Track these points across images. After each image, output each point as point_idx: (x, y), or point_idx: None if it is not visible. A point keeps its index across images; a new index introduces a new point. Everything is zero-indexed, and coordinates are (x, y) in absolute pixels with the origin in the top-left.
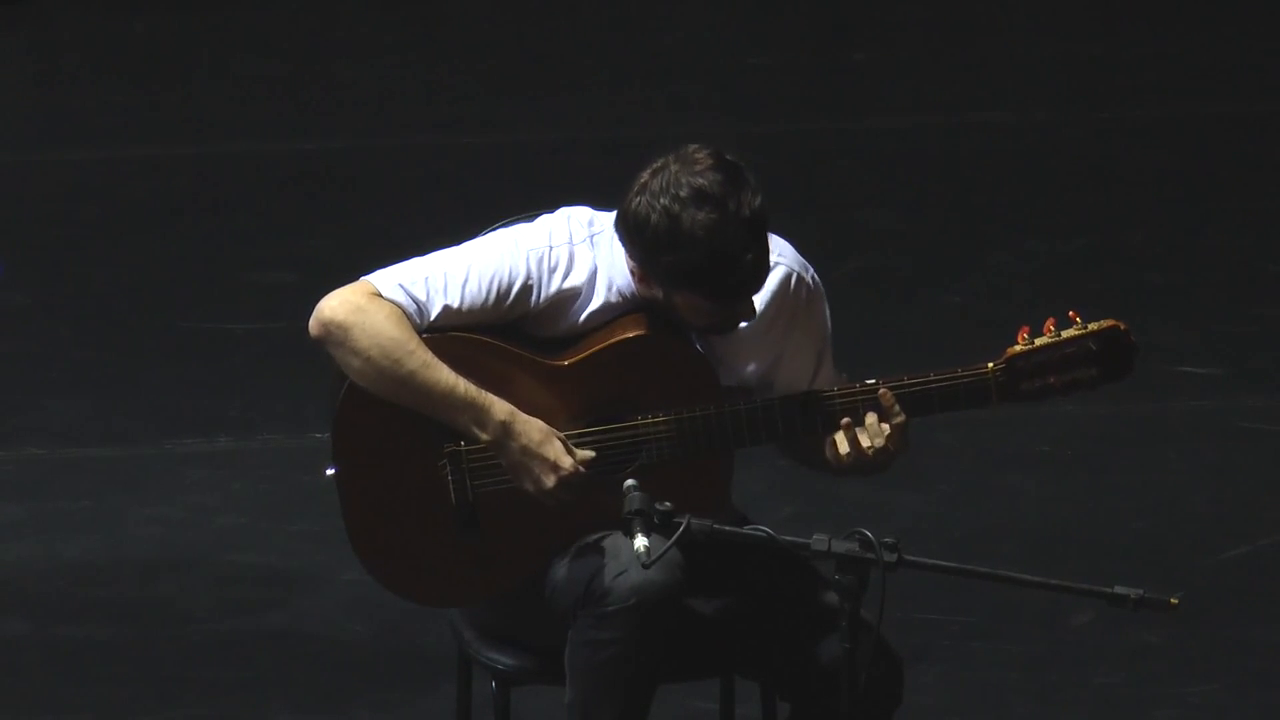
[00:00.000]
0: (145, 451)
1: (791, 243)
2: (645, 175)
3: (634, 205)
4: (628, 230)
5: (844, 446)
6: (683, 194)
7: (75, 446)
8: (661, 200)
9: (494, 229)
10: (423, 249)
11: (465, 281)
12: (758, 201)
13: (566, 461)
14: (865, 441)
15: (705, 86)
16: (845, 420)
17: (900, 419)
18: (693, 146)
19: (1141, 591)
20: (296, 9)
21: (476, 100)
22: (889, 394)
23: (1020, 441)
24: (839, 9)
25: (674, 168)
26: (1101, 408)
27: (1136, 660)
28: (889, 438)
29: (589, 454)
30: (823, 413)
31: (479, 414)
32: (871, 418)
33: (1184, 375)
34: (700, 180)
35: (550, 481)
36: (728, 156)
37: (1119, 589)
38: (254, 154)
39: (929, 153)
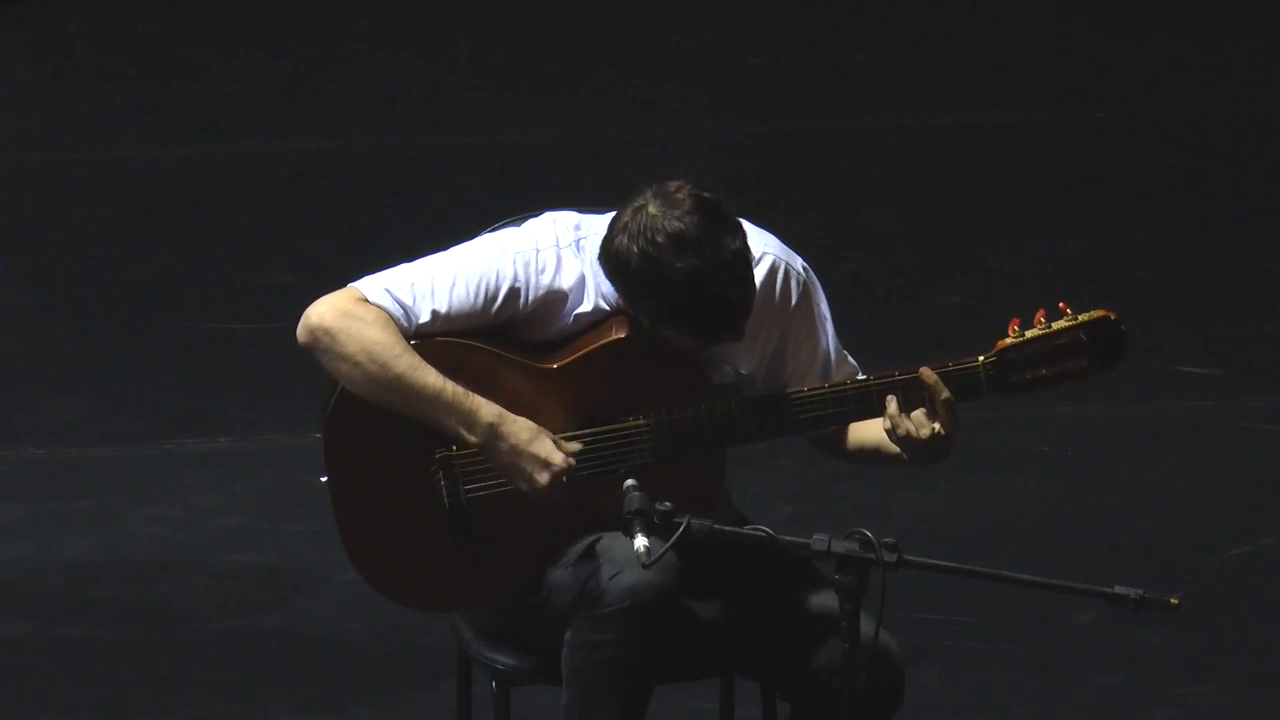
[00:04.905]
0: (145, 451)
1: (778, 236)
2: (626, 214)
3: (615, 245)
4: (610, 269)
5: (895, 430)
6: (660, 240)
7: (75, 446)
8: (640, 243)
9: (481, 235)
10: (422, 249)
11: (452, 286)
12: (737, 243)
13: (557, 458)
14: (912, 430)
15: (705, 86)
16: (889, 411)
17: (945, 397)
18: (672, 184)
19: (1141, 591)
20: (296, 9)
21: (476, 100)
22: (931, 374)
23: (1020, 441)
24: (839, 9)
25: (652, 209)
26: (1101, 408)
27: (1136, 660)
28: (939, 420)
29: (576, 446)
30: (789, 413)
31: (467, 416)
32: (917, 412)
33: (1184, 375)
34: (678, 224)
35: (543, 479)
36: (706, 194)
37: (1119, 589)
38: (254, 154)
39: (929, 153)
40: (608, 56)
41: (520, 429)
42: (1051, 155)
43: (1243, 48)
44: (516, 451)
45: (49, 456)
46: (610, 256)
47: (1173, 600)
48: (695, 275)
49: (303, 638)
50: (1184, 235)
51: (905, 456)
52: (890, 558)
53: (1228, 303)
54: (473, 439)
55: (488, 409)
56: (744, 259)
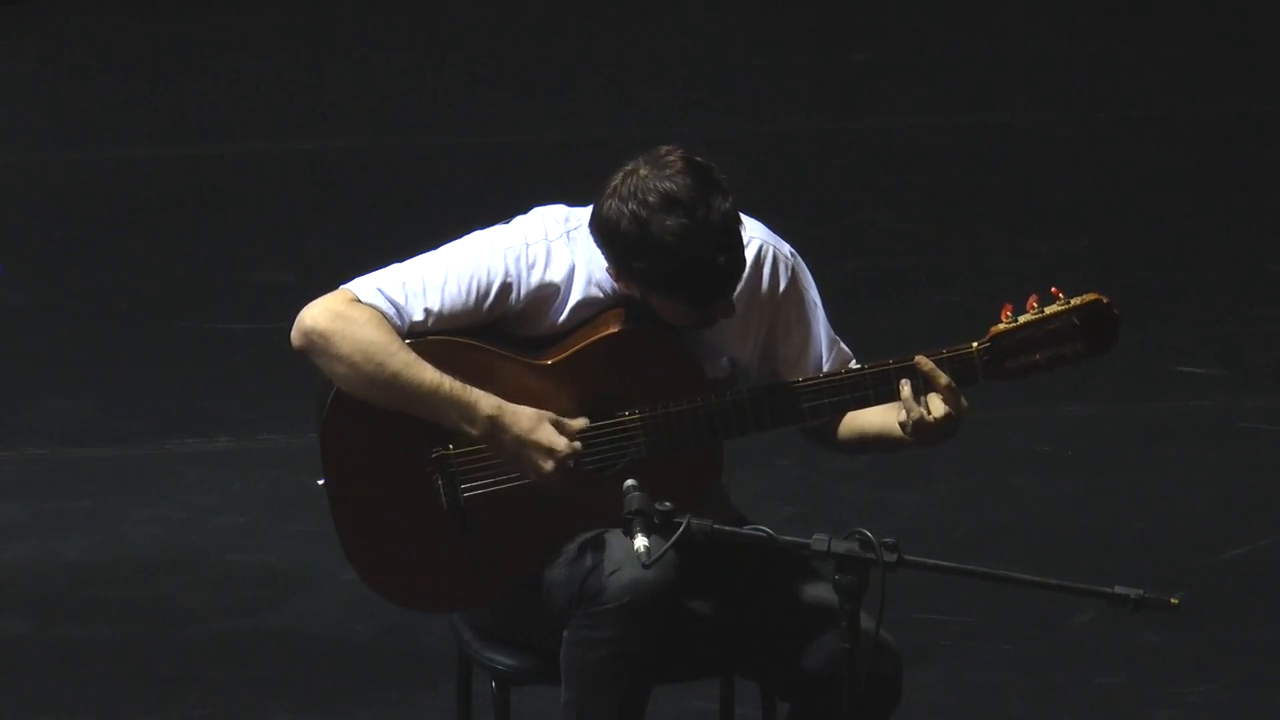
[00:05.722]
0: (145, 451)
1: (769, 226)
2: (616, 179)
3: (605, 209)
4: (600, 234)
5: (903, 415)
6: (651, 199)
7: (75, 446)
8: (630, 205)
9: (471, 233)
10: (422, 249)
11: (444, 284)
12: (728, 204)
13: (561, 444)
14: (924, 415)
15: (705, 86)
16: (904, 394)
17: (946, 381)
18: (664, 149)
19: (1141, 591)
20: (296, 9)
21: (477, 100)
22: (926, 361)
23: (1020, 441)
24: (839, 9)
25: (643, 171)
26: (1101, 408)
27: (1136, 660)
28: (945, 402)
29: (582, 421)
30: (793, 401)
31: (466, 409)
32: (908, 388)
33: (1184, 375)
34: (669, 184)
35: (548, 466)
36: (698, 159)
37: (1119, 589)
38: (254, 154)
39: (929, 153)
40: (608, 56)
41: (521, 417)
42: (1051, 155)
43: (1243, 48)
44: (520, 440)
45: (49, 456)
46: (601, 221)
47: (1173, 600)
48: (685, 234)
49: (303, 638)
50: (1184, 235)
51: (910, 439)
52: (890, 558)
53: (1228, 303)
54: (474, 432)
55: (486, 401)
56: (734, 221)
